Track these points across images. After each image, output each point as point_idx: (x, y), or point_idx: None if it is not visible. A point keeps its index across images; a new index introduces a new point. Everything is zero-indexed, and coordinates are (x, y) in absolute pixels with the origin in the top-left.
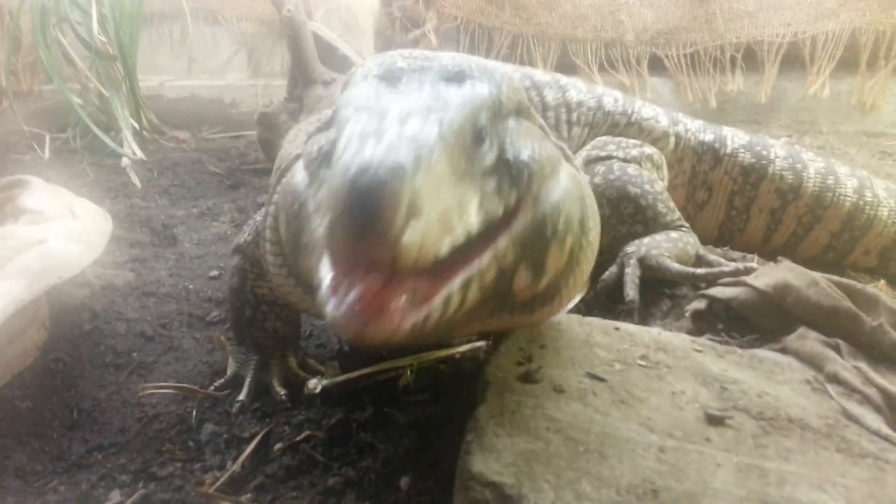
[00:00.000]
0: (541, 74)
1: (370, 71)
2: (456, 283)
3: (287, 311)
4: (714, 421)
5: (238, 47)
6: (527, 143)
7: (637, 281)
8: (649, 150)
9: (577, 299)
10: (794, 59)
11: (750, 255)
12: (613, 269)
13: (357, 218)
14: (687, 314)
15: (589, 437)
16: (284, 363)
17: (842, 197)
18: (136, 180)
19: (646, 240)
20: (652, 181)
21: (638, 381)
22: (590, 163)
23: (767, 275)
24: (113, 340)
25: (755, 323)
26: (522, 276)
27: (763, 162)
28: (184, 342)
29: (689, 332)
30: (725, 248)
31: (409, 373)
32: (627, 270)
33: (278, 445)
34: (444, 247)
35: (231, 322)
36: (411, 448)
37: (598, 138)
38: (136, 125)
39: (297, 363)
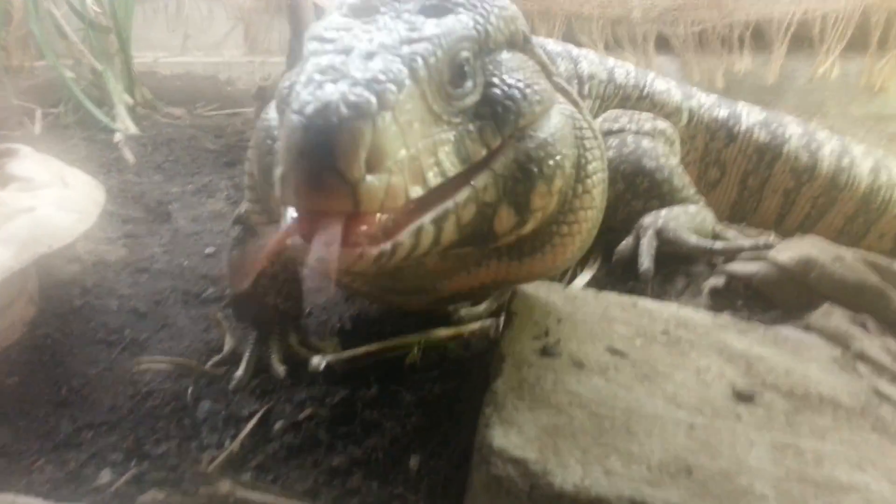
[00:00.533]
0: (553, 44)
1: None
2: (428, 216)
3: (288, 286)
4: (743, 398)
5: (234, 23)
6: (516, 79)
7: (653, 252)
8: (662, 124)
9: (587, 276)
10: (802, 39)
11: (767, 232)
12: (629, 240)
13: (312, 161)
14: (705, 291)
15: (614, 413)
16: (284, 340)
17: (857, 178)
18: (129, 156)
19: (663, 212)
20: (667, 154)
21: (660, 357)
22: (602, 135)
23: (790, 249)
24: (104, 317)
25: (777, 300)
26: (504, 216)
27: (778, 140)
28: (178, 319)
29: (708, 310)
30: (742, 225)
31: (415, 350)
32: (643, 241)
33: (279, 424)
34: (414, 192)
35: (231, 297)
36: (420, 426)
37: (609, 111)
38: (131, 100)
39: (297, 340)
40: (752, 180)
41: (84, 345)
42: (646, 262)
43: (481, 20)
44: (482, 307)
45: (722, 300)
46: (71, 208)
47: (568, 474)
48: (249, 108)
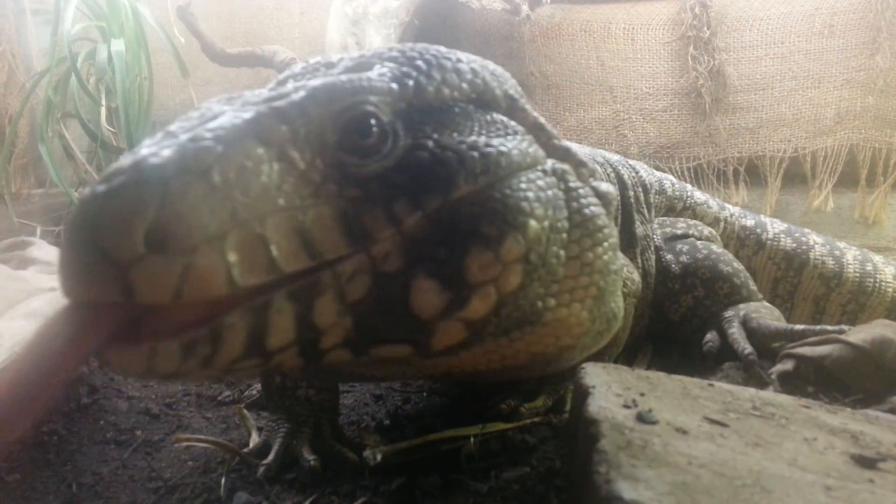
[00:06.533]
0: (610, 154)
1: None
2: (284, 290)
3: (320, 377)
4: (866, 463)
5: None
6: (461, 142)
7: (745, 337)
8: (711, 230)
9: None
10: (794, 176)
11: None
12: (713, 335)
13: (74, 237)
14: (773, 376)
15: (740, 474)
16: (318, 432)
17: (883, 283)
18: None
19: (742, 305)
20: (733, 258)
21: (762, 428)
22: (668, 240)
23: (863, 331)
24: (114, 416)
25: (851, 382)
26: (424, 291)
27: (804, 247)
28: (193, 421)
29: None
30: None
31: (471, 440)
32: (732, 331)
33: None
34: (250, 278)
35: (262, 389)
36: None
37: (660, 218)
38: None
39: (331, 433)
40: (781, 287)
41: (93, 444)
42: (747, 347)
43: (411, 72)
44: (539, 402)
45: (791, 386)
46: None
47: None
48: None
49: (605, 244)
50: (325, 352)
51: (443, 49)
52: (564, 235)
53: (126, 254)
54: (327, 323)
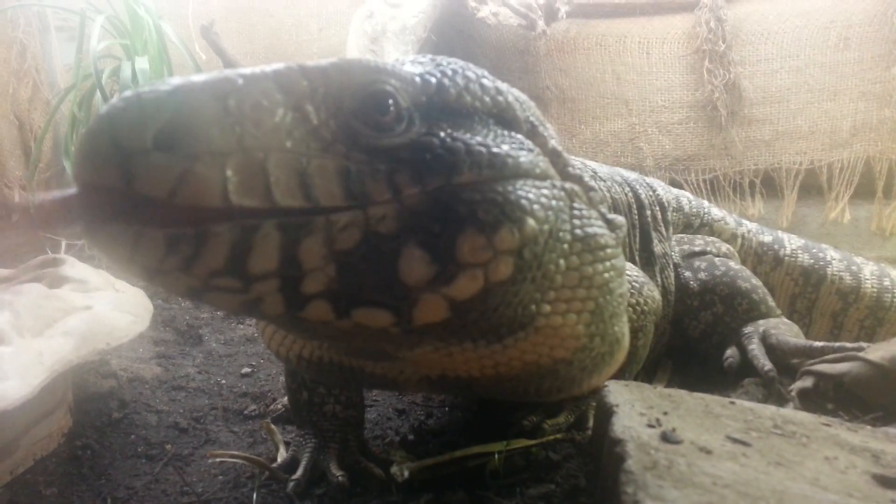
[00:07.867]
0: (628, 172)
1: None
2: (275, 219)
3: (347, 393)
4: (888, 483)
5: None
6: (470, 139)
7: (765, 353)
8: (726, 247)
9: (662, 384)
10: (810, 187)
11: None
12: (733, 350)
13: (91, 128)
14: (793, 393)
15: (763, 493)
16: (345, 447)
17: None
18: None
19: (761, 321)
20: (752, 275)
21: (784, 447)
22: (686, 257)
23: (881, 349)
24: (144, 431)
25: (870, 399)
26: (413, 258)
27: (822, 263)
28: (221, 435)
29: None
30: None
31: (495, 457)
32: (752, 347)
33: None
34: (243, 199)
35: (289, 404)
36: None
37: (678, 235)
38: None
39: (358, 449)
40: (799, 303)
41: (125, 458)
42: (766, 363)
43: (435, 72)
44: (561, 419)
45: (811, 403)
46: (126, 310)
47: None
48: None
49: (608, 263)
50: (307, 298)
51: (472, 66)
52: (566, 246)
53: (133, 144)
54: (311, 264)
